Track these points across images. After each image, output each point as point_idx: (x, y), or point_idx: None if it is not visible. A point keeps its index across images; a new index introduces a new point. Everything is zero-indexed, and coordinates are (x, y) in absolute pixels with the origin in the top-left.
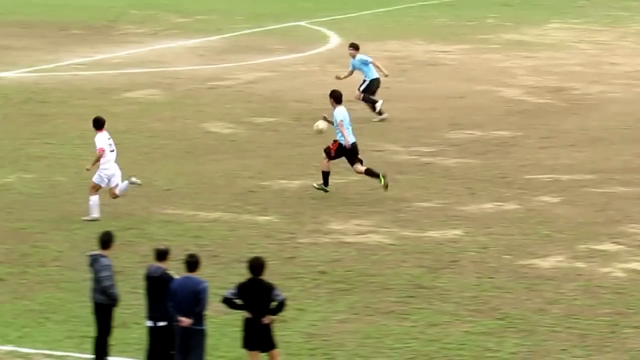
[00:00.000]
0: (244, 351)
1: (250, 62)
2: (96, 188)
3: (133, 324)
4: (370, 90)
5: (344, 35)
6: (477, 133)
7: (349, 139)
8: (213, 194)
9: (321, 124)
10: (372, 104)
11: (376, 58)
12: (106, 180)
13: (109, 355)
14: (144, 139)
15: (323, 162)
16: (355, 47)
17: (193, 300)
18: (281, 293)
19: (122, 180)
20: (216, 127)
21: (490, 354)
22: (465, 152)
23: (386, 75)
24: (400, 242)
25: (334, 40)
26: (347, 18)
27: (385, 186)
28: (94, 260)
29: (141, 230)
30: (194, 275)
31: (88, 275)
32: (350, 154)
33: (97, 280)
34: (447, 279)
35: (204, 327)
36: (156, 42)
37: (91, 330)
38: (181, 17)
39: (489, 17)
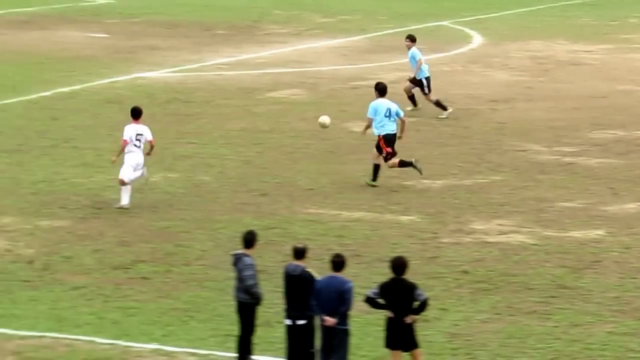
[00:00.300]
0: (387, 350)
1: (393, 62)
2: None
3: (276, 323)
4: (429, 88)
5: (486, 35)
6: (620, 133)
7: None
8: (355, 194)
9: (324, 119)
10: (443, 108)
11: (519, 58)
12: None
13: (253, 354)
14: (287, 138)
15: (377, 156)
16: (412, 39)
17: (338, 299)
18: (424, 293)
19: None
20: (358, 126)
21: (633, 355)
22: (608, 152)
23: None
24: (542, 242)
25: (477, 40)
26: (489, 18)
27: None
28: (237, 259)
29: (284, 229)
30: (339, 274)
31: (231, 274)
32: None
33: (240, 279)
34: (589, 279)
35: (347, 327)
36: (299, 42)
37: (235, 329)
38: (325, 17)
39: (632, 16)
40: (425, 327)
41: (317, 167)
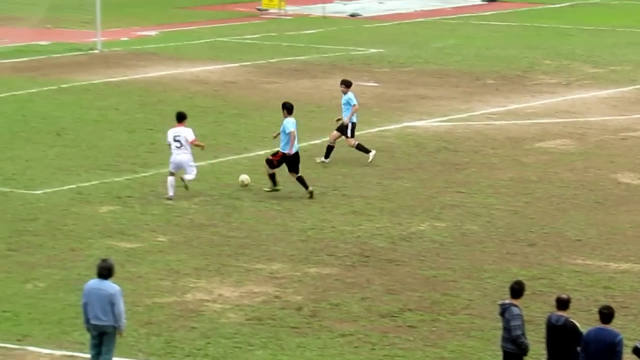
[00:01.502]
0: None
1: None
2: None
3: None
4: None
5: None
6: None
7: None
8: (623, 245)
9: (243, 178)
10: (365, 151)
11: None
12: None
13: None
14: (555, 189)
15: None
16: (347, 84)
17: (609, 352)
18: None
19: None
20: (628, 177)
21: None
22: None
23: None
24: None
25: None
26: None
27: (310, 193)
28: (504, 309)
29: (551, 280)
30: (608, 327)
31: (498, 323)
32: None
33: (507, 329)
34: None
35: None
36: (569, 92)
37: None
38: (595, 68)
39: None
40: None
41: (585, 218)
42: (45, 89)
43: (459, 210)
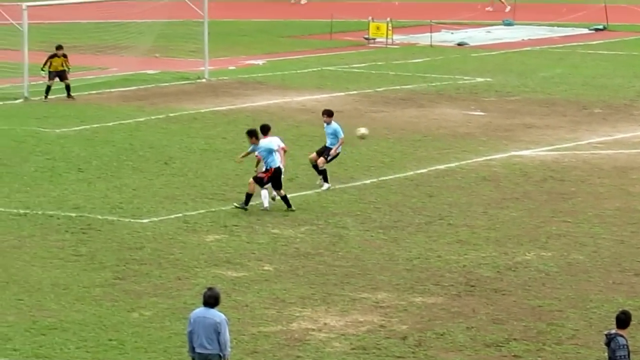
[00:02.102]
0: None
1: None
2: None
3: None
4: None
5: None
6: None
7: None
8: None
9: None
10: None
11: None
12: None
13: None
14: None
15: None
16: (329, 114)
17: None
18: None
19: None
20: None
21: None
22: None
23: None
24: None
25: None
26: None
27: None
28: (610, 339)
29: None
30: None
31: (604, 354)
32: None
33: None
34: None
35: None
36: None
37: None
38: None
39: None
40: None
41: None
42: (153, 117)
43: (565, 239)
